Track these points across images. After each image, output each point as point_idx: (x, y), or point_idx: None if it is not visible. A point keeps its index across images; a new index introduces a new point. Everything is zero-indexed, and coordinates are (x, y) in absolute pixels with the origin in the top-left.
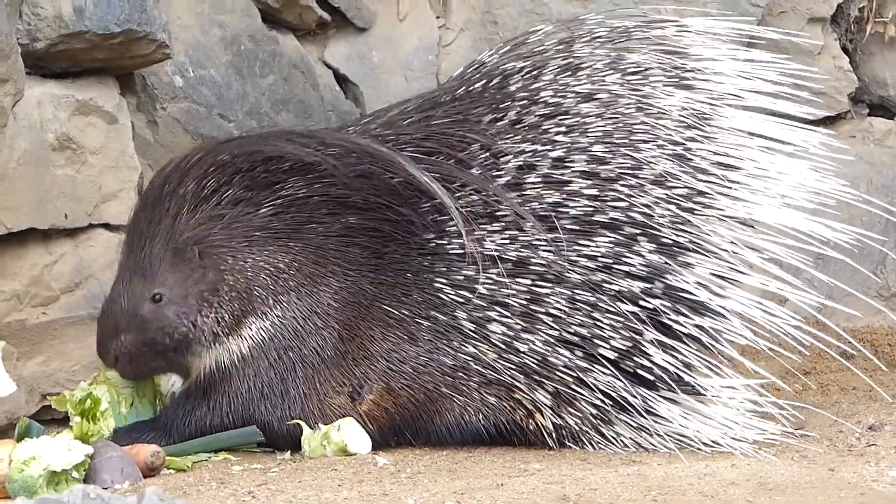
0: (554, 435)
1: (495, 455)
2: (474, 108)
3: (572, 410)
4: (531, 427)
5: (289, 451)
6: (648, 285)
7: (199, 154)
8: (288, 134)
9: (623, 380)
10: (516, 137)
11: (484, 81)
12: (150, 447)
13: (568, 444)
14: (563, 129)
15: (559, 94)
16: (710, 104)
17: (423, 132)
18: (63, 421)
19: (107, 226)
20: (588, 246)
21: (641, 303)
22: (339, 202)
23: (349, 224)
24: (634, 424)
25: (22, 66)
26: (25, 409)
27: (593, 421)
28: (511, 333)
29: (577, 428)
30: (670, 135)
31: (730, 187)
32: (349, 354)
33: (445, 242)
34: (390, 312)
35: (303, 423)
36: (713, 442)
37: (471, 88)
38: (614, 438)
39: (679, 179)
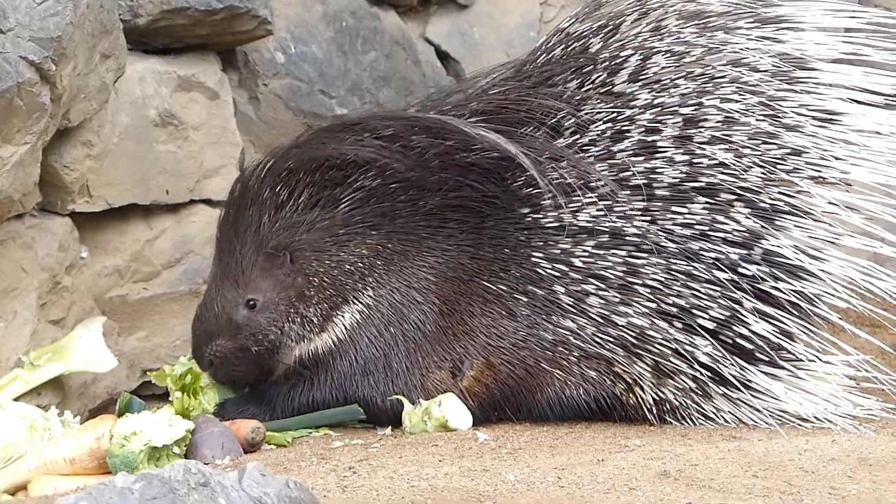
0: (654, 410)
1: (596, 431)
2: (559, 75)
3: (672, 384)
4: (631, 401)
5: (389, 427)
6: (746, 251)
7: (270, 161)
8: (345, 128)
9: (722, 350)
10: (602, 104)
11: (563, 46)
12: (251, 423)
13: (668, 419)
14: (650, 91)
15: (641, 54)
16: (803, 56)
17: (500, 103)
18: (163, 396)
19: (208, 202)
20: (682, 214)
21: (740, 269)
22: (420, 185)
23: (436, 204)
24: (733, 398)
25: (124, 42)
26: (126, 385)
27: (693, 395)
28: (609, 306)
29: (677, 402)
30: (762, 91)
31: (826, 145)
32: (449, 330)
33: (541, 216)
34: (489, 288)
35: (404, 399)
36: (813, 417)
37: (550, 56)
38: (714, 413)
39: (774, 139)
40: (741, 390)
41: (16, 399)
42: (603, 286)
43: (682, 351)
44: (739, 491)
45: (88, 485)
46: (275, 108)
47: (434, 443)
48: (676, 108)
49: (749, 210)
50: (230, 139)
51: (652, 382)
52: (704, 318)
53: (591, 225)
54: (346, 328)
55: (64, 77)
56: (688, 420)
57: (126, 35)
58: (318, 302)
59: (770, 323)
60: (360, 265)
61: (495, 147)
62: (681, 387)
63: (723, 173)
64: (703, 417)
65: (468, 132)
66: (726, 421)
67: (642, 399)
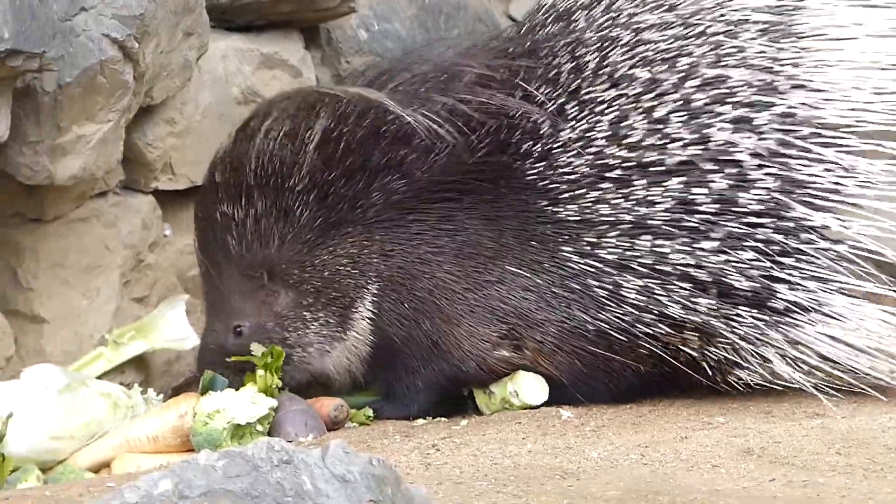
0: (709, 370)
1: (679, 408)
2: (554, 59)
3: (720, 342)
4: (686, 364)
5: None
6: (769, 219)
7: (217, 178)
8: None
9: (766, 316)
10: (602, 86)
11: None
12: (335, 400)
13: (730, 377)
14: (644, 68)
15: (632, 30)
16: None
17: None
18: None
19: None
20: (700, 192)
21: (760, 237)
22: (383, 168)
23: (399, 189)
24: (784, 354)
25: (207, 19)
26: None
27: (746, 342)
28: (645, 294)
29: (730, 357)
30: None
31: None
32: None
33: (561, 210)
34: (525, 278)
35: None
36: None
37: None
38: (763, 366)
39: (777, 103)
40: (791, 346)
41: (99, 377)
42: (634, 277)
43: (728, 320)
44: (822, 468)
45: (171, 462)
46: None
47: (518, 420)
48: (678, 83)
49: (767, 177)
50: None
51: (701, 345)
52: (740, 285)
53: (612, 218)
54: (376, 319)
55: (147, 55)
56: (748, 370)
57: (209, 12)
58: (323, 306)
59: (804, 280)
60: (351, 262)
61: (366, 100)
62: (730, 348)
63: (732, 144)
64: (756, 374)
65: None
66: (778, 375)
67: (695, 360)
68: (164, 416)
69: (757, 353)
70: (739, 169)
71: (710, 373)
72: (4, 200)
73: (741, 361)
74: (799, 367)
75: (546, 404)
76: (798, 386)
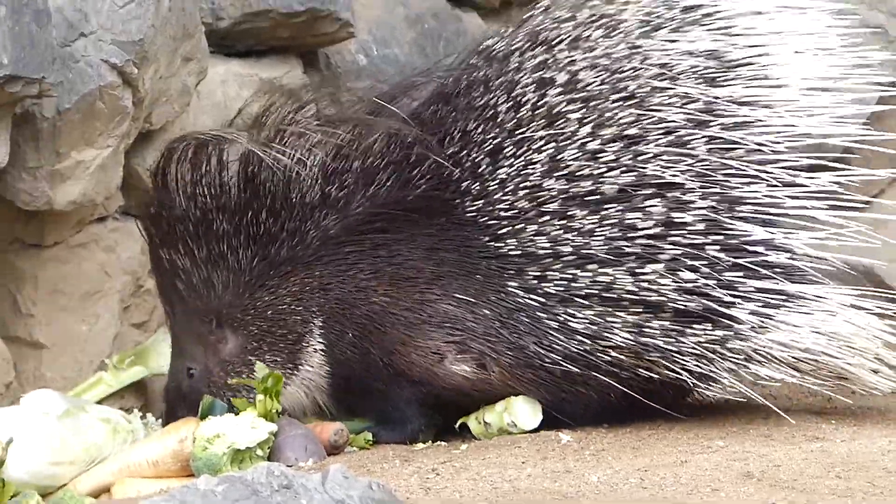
0: (671, 391)
1: (679, 432)
2: (492, 99)
3: (678, 363)
4: (643, 383)
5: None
6: (712, 238)
7: (155, 229)
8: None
9: (719, 332)
10: (540, 122)
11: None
12: (335, 425)
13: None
14: (577, 106)
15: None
16: None
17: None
18: None
19: None
20: (638, 217)
21: (705, 256)
22: (317, 205)
23: (334, 225)
24: (741, 367)
25: (206, 44)
26: None
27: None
28: (596, 324)
29: (697, 366)
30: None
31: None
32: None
33: (502, 245)
34: (471, 303)
35: (469, 419)
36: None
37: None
38: (722, 382)
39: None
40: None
41: (99, 402)
42: (583, 309)
43: (683, 338)
44: (823, 491)
45: (171, 487)
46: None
47: (517, 444)
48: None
49: (702, 194)
50: None
51: (659, 367)
52: (688, 306)
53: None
54: (328, 353)
55: (146, 80)
56: (709, 385)
57: (208, 38)
58: (270, 347)
59: (751, 292)
60: (295, 300)
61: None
62: (685, 360)
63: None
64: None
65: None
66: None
67: (656, 381)
68: (163, 440)
69: (715, 369)
70: (678, 192)
71: (671, 392)
72: (4, 226)
73: (699, 380)
74: (758, 379)
75: (545, 427)
76: (755, 398)
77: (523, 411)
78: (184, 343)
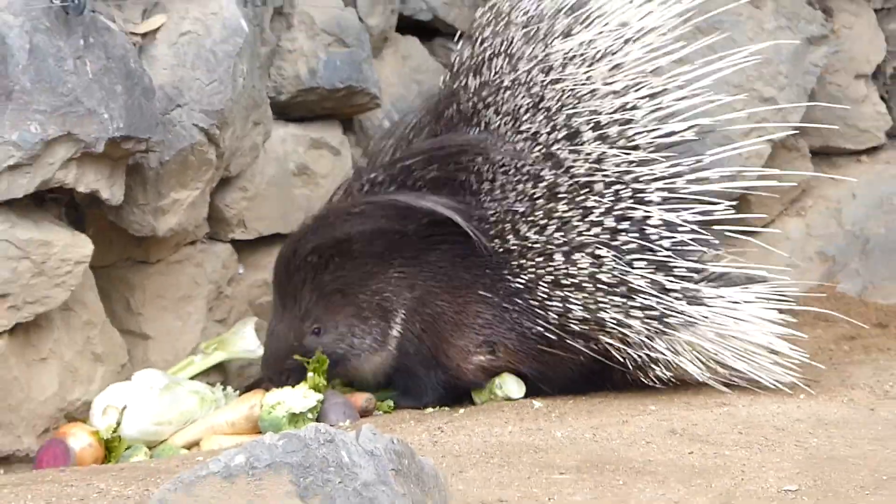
0: (631, 365)
1: (622, 399)
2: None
3: (632, 344)
4: (612, 358)
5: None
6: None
7: (297, 242)
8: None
9: (655, 323)
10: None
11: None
12: (365, 394)
13: (649, 374)
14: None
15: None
16: None
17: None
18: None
19: None
20: (586, 214)
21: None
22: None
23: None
24: (682, 352)
25: (270, 113)
26: None
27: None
28: (559, 301)
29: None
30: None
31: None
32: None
33: (502, 244)
34: (489, 298)
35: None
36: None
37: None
38: (670, 364)
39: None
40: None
41: (191, 378)
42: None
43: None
44: (728, 444)
45: (244, 442)
46: None
47: (502, 409)
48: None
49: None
50: None
51: (618, 345)
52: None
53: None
54: (397, 338)
55: (225, 139)
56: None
57: (272, 108)
58: (373, 319)
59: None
60: (392, 289)
61: (434, 211)
62: (640, 344)
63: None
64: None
65: (413, 203)
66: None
67: (619, 358)
68: (239, 407)
69: (662, 352)
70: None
71: (631, 369)
72: (119, 248)
73: (651, 363)
74: (699, 364)
75: (524, 398)
76: (702, 379)
77: (511, 383)
78: (311, 311)
